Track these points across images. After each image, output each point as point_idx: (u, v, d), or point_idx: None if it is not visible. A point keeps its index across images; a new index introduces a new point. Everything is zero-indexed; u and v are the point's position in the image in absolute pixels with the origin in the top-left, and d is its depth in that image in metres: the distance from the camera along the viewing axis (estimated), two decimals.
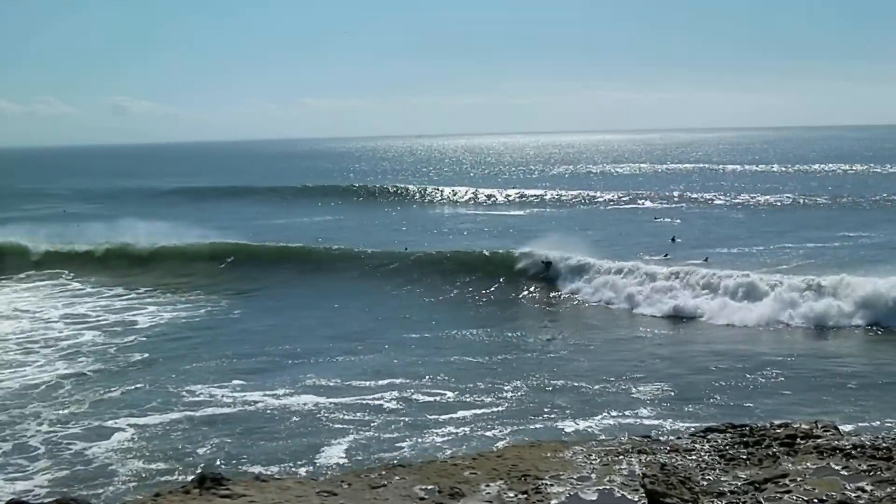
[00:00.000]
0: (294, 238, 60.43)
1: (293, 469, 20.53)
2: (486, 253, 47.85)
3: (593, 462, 16.36)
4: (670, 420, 23.98)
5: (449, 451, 21.36)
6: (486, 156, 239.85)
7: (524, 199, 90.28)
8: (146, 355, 33.12)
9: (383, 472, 15.74)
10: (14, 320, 40.37)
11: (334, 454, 21.97)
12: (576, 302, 41.91)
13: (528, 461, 16.30)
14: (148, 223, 72.49)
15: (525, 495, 14.55)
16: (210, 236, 59.04)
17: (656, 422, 23.90)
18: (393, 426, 24.10)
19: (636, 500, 14.24)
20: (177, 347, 34.62)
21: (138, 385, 28.97)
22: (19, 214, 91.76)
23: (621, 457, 16.63)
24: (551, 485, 15.03)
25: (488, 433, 23.21)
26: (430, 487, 14.87)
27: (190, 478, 20.33)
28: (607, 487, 15.03)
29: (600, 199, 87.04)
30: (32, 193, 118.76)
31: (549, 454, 16.85)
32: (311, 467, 20.84)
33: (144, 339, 36.33)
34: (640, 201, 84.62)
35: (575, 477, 15.46)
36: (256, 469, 20.22)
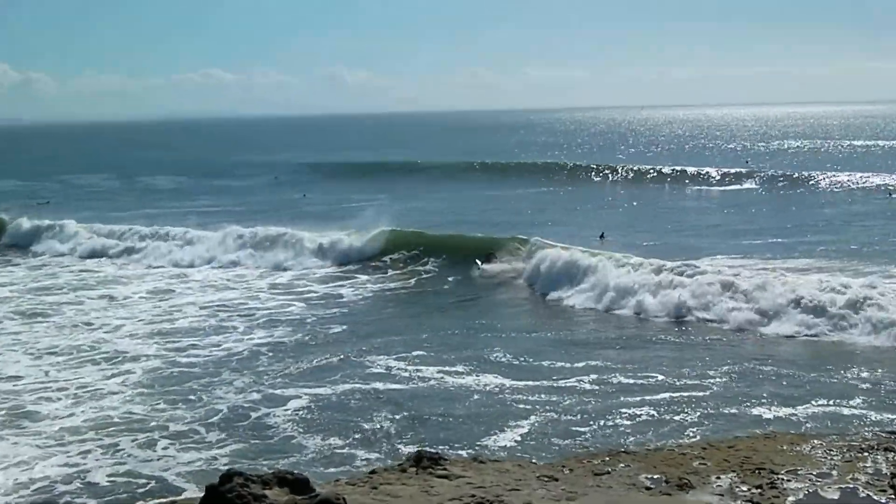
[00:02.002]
0: (509, 218, 60.32)
1: (459, 450, 20.15)
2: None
3: (834, 458, 15.58)
4: (878, 412, 22.15)
5: (632, 439, 20.65)
6: (711, 128, 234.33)
7: (749, 175, 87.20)
8: (344, 327, 33.70)
9: (607, 459, 15.48)
10: (223, 291, 42.06)
11: (508, 438, 21.47)
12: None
13: (762, 453, 15.66)
14: (363, 195, 74.99)
15: (759, 490, 13.96)
16: (416, 213, 59.98)
17: (863, 412, 22.08)
18: (578, 408, 23.32)
19: (883, 501, 13.57)
20: (374, 320, 35.17)
21: (327, 356, 29.46)
22: (228, 183, 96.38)
23: (865, 453, 15.77)
24: (788, 480, 14.35)
25: (677, 417, 22.22)
26: (656, 477, 14.49)
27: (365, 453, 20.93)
28: (850, 486, 14.29)
29: (825, 175, 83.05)
30: (244, 162, 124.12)
31: (784, 447, 16.16)
32: (473, 450, 20.19)
33: (346, 310, 37.09)
34: (870, 177, 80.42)
35: (814, 473, 14.76)
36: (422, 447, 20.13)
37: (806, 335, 30.59)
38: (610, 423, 22.16)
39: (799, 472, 14.79)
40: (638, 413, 22.77)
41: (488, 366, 27.83)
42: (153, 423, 23.34)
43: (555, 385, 25.56)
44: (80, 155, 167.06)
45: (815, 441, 16.77)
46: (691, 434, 20.84)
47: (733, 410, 22.64)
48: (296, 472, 13.22)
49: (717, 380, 25.43)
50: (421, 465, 14.38)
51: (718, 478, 14.58)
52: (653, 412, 22.78)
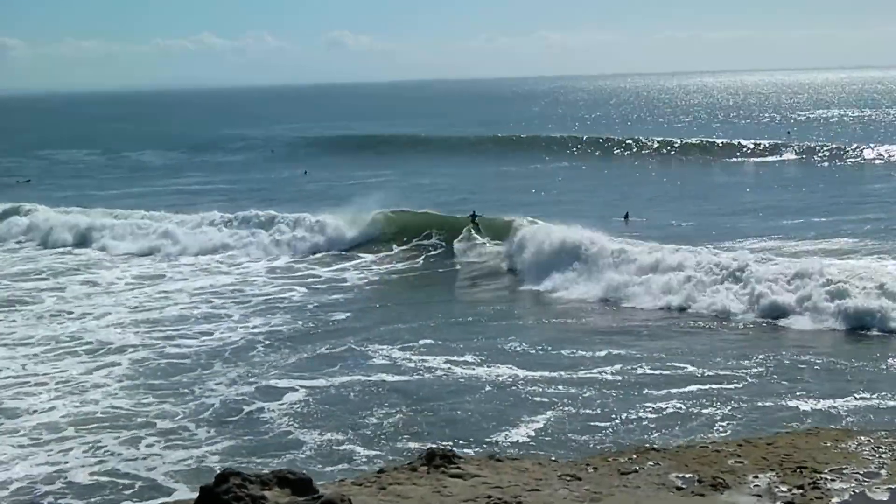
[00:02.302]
0: (521, 197, 59.73)
1: (466, 447, 20.07)
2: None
3: (883, 455, 15.48)
4: None
5: (658, 434, 20.63)
6: (748, 96, 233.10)
7: (788, 146, 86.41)
8: (346, 314, 33.77)
9: (634, 457, 15.39)
10: (216, 275, 42.08)
11: (521, 433, 21.47)
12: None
13: (803, 451, 15.58)
14: (368, 171, 74.98)
15: (800, 490, 13.89)
16: (423, 191, 59.91)
17: None
18: (599, 401, 23.27)
19: None
20: (378, 306, 35.33)
21: (327, 345, 29.53)
22: (221, 159, 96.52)
23: None
24: (832, 480, 14.26)
25: (707, 411, 22.16)
26: (688, 476, 14.41)
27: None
28: None
29: (873, 147, 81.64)
30: (238, 136, 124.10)
31: (828, 444, 16.07)
32: (482, 447, 20.27)
33: (349, 296, 37.21)
34: None
35: (861, 472, 14.66)
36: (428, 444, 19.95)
37: (841, 325, 30.17)
38: (633, 417, 22.14)
39: (844, 472, 14.67)
40: (664, 407, 22.73)
41: (500, 355, 27.77)
42: (140, 419, 23.36)
43: (573, 376, 25.49)
44: (62, 128, 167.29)
45: (862, 437, 16.64)
46: (722, 429, 20.84)
47: (768, 404, 22.59)
48: (296, 470, 13.13)
49: (750, 371, 25.35)
50: (433, 463, 14.26)
51: (756, 477, 14.47)
52: (680, 406, 22.74)
